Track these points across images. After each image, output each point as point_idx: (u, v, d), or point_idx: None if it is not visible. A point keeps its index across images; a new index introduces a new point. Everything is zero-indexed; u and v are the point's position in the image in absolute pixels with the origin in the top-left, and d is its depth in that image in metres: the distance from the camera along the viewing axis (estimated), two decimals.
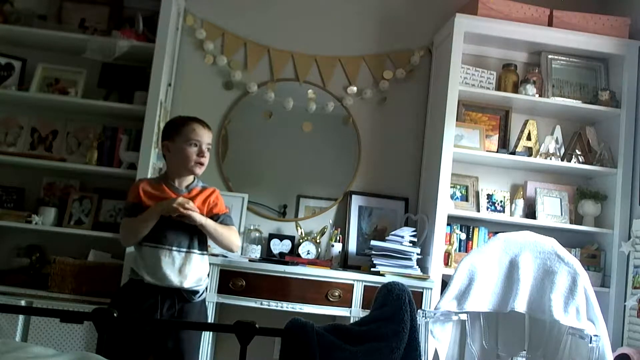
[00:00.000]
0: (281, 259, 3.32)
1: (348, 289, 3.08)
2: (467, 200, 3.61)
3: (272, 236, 3.52)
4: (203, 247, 2.50)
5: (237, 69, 3.66)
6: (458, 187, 3.61)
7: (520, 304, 2.46)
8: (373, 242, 3.27)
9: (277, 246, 3.50)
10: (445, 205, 3.32)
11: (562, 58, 3.67)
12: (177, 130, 2.51)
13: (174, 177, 2.51)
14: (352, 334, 1.94)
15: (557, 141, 3.62)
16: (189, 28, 3.65)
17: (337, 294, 3.07)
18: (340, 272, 3.15)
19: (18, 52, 3.47)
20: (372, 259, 3.23)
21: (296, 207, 3.65)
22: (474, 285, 2.51)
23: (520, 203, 3.52)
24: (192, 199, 2.47)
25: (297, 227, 3.52)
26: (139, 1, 3.53)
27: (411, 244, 3.28)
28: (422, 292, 3.11)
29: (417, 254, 3.25)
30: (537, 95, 3.55)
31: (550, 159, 3.52)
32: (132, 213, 2.44)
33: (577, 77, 3.68)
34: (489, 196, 3.60)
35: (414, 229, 3.38)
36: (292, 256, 3.38)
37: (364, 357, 1.88)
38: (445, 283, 2.97)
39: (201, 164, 2.48)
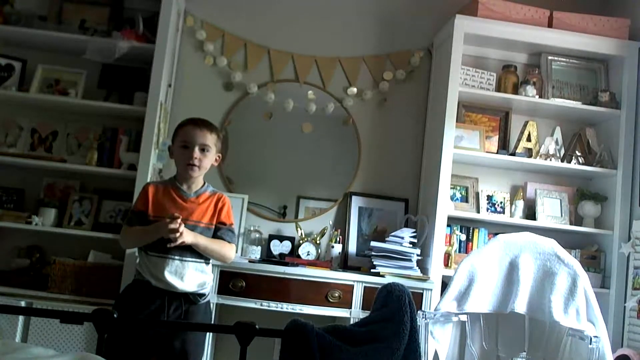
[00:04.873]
0: (281, 260, 3.32)
1: (348, 289, 3.08)
2: (467, 201, 3.61)
3: (272, 237, 3.52)
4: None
5: (237, 69, 3.66)
6: (458, 188, 3.61)
7: (520, 305, 2.46)
8: (373, 243, 3.27)
9: (277, 247, 3.49)
10: (445, 207, 3.33)
11: (562, 59, 3.67)
12: (175, 133, 2.53)
13: (182, 180, 2.50)
14: (352, 335, 1.94)
15: (557, 142, 3.62)
16: (189, 29, 3.65)
17: (337, 294, 3.07)
18: (340, 272, 3.15)
19: (18, 53, 3.47)
20: (372, 260, 3.23)
21: (296, 208, 3.65)
22: (473, 286, 2.51)
23: (520, 204, 3.52)
24: (200, 204, 2.47)
25: (297, 228, 3.52)
26: (139, 2, 3.53)
27: (411, 245, 3.27)
28: (422, 293, 3.10)
29: (417, 255, 3.25)
30: (537, 97, 3.55)
31: (550, 160, 3.52)
32: (135, 222, 2.44)
33: (577, 78, 3.68)
34: (489, 197, 3.60)
35: (413, 230, 3.38)
36: (292, 257, 3.38)
37: (364, 358, 1.88)
38: (445, 284, 2.97)
39: (192, 165, 2.43)
